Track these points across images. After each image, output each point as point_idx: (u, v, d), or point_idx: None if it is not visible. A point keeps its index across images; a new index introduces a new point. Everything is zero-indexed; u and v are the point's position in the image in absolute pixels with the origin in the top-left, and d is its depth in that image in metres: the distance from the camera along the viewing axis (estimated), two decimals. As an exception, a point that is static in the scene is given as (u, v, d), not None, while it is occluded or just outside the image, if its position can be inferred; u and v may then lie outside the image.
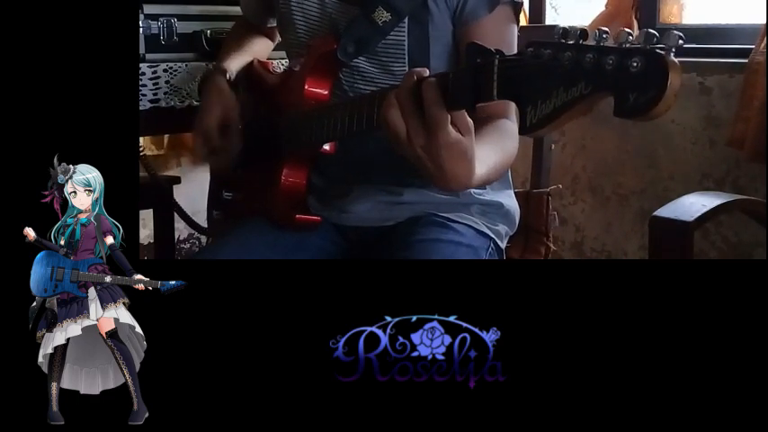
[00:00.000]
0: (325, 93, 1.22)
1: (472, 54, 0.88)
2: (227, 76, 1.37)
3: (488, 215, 1.30)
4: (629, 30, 0.72)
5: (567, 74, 0.74)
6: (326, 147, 1.21)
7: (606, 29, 0.74)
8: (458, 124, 0.90)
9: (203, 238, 2.45)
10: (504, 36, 1.21)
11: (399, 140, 0.92)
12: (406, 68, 1.20)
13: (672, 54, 0.68)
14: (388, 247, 1.23)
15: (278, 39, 1.49)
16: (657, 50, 0.69)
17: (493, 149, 1.07)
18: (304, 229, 1.25)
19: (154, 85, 1.52)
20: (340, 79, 1.24)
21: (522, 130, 0.80)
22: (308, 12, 1.27)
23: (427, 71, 0.92)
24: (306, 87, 1.22)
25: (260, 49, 1.48)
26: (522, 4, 1.23)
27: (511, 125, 1.17)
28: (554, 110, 0.76)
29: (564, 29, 0.76)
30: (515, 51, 1.21)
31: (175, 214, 2.05)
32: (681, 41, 0.69)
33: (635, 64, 0.69)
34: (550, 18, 2.48)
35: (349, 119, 1.09)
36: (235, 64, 1.40)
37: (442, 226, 1.24)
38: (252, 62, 1.43)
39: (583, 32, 0.75)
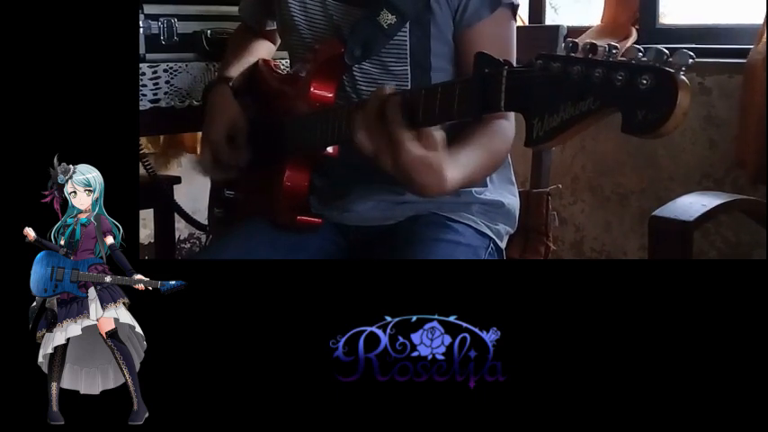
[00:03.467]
0: (330, 95, 1.23)
1: (480, 64, 0.88)
2: (231, 84, 1.36)
3: (489, 214, 1.30)
4: (638, 46, 0.72)
5: (575, 88, 0.74)
6: (329, 149, 1.21)
7: (616, 44, 0.74)
8: (425, 139, 0.96)
9: (203, 239, 2.45)
10: (504, 36, 1.22)
11: (370, 158, 0.99)
12: (408, 69, 1.21)
13: (682, 73, 0.68)
14: (388, 246, 1.23)
15: (279, 41, 1.49)
16: (668, 69, 0.68)
17: (475, 152, 1.10)
18: (305, 231, 1.25)
19: (154, 85, 1.52)
20: (342, 80, 1.24)
21: (529, 143, 0.80)
22: (310, 14, 1.27)
23: (391, 89, 0.98)
24: (311, 90, 1.22)
25: (262, 51, 1.48)
26: (518, 5, 1.23)
27: (506, 125, 1.19)
28: (561, 123, 0.76)
29: (573, 42, 0.76)
30: (515, 52, 1.22)
31: (175, 213, 2.05)
32: (691, 61, 0.69)
33: (645, 81, 0.69)
34: (550, 18, 2.48)
35: (341, 125, 1.11)
36: (237, 70, 1.40)
37: (441, 225, 1.24)
38: (257, 62, 1.43)
39: (592, 47, 0.75)
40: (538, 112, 0.78)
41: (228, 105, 1.32)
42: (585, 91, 0.73)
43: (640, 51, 0.71)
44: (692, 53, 0.69)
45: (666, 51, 0.70)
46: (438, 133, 0.96)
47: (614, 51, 0.73)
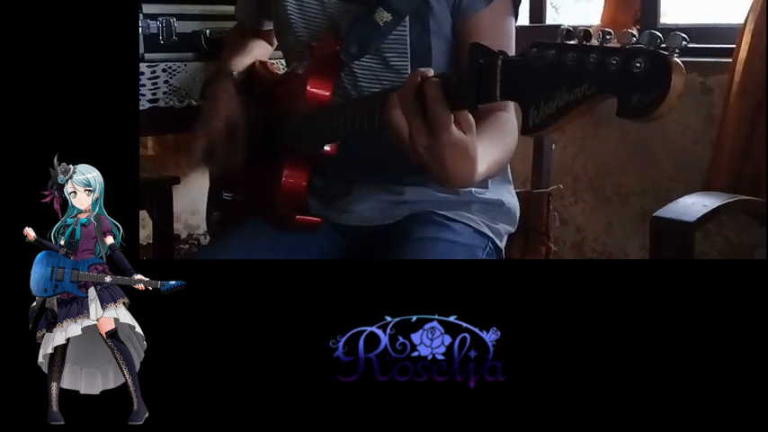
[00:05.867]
0: (327, 94, 1.22)
1: (475, 54, 0.88)
2: (234, 75, 1.36)
3: (489, 213, 1.30)
4: (632, 31, 0.72)
5: (570, 74, 0.74)
6: (327, 147, 1.21)
7: (609, 30, 0.74)
8: (460, 122, 0.91)
9: (202, 239, 2.45)
10: (503, 29, 1.22)
11: (402, 140, 0.93)
12: (408, 64, 1.21)
13: (675, 55, 0.68)
14: (386, 245, 1.23)
15: (275, 42, 1.48)
16: (661, 51, 0.69)
17: (492, 145, 1.08)
18: (304, 231, 1.25)
19: (153, 84, 1.52)
20: (341, 77, 1.24)
21: (525, 131, 0.80)
22: (306, 12, 1.27)
23: (431, 71, 0.93)
24: (308, 89, 1.22)
25: (260, 51, 1.48)
26: None
27: (509, 117, 1.18)
28: (557, 110, 0.76)
29: (568, 29, 0.76)
30: (513, 45, 1.22)
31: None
32: (684, 43, 0.69)
33: (638, 65, 0.69)
34: (551, 17, 2.48)
35: (351, 120, 1.09)
36: (238, 65, 1.40)
37: (439, 224, 1.24)
38: (254, 63, 1.43)
39: (586, 33, 0.75)
40: (534, 99, 0.78)
41: (229, 100, 1.32)
42: (580, 77, 0.73)
43: (634, 36, 0.71)
44: (684, 35, 0.69)
45: (659, 35, 0.70)
46: (471, 118, 0.93)
47: (608, 37, 0.73)
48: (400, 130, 0.92)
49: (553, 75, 0.76)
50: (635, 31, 0.72)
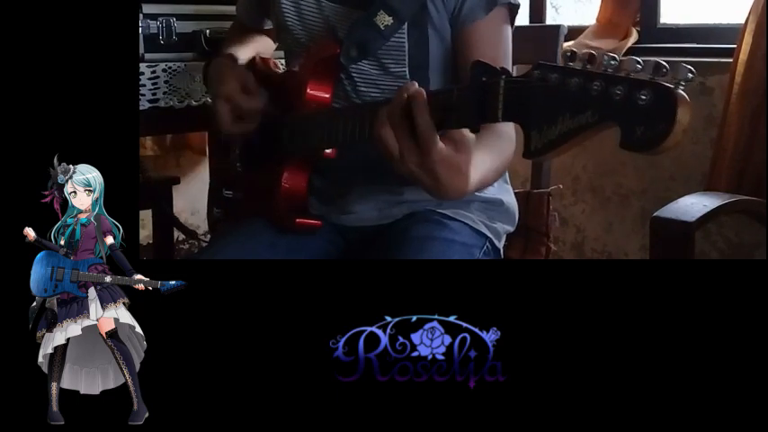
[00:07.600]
0: (327, 96, 1.22)
1: (477, 72, 0.87)
2: (233, 56, 1.36)
3: (488, 212, 1.30)
4: (636, 58, 0.71)
5: (574, 100, 0.73)
6: (328, 150, 1.21)
7: (615, 55, 0.73)
8: (455, 140, 0.92)
9: (202, 239, 2.45)
10: (500, 38, 1.21)
11: (392, 157, 0.94)
12: (407, 70, 1.21)
13: (681, 88, 0.68)
14: (383, 244, 1.23)
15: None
16: (666, 84, 0.68)
17: (488, 154, 1.07)
18: (304, 232, 1.25)
19: (153, 84, 1.52)
20: (341, 80, 1.24)
21: (527, 154, 0.79)
22: (304, 15, 1.27)
23: (416, 85, 0.93)
24: (307, 91, 1.22)
25: (261, 46, 1.48)
26: (518, 4, 1.23)
27: (506, 127, 1.17)
28: (559, 136, 0.75)
29: (572, 51, 0.75)
30: (510, 55, 1.22)
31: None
32: (690, 75, 0.68)
33: (643, 97, 0.68)
34: (551, 17, 2.48)
35: (343, 128, 1.10)
36: (239, 53, 1.39)
37: (437, 223, 1.24)
38: (254, 58, 1.43)
39: (590, 57, 0.74)
40: (536, 123, 0.77)
41: (234, 65, 1.32)
42: (584, 104, 0.72)
43: (639, 64, 0.70)
44: (691, 67, 0.68)
45: (665, 64, 0.69)
46: (469, 135, 0.93)
47: (613, 63, 0.72)
48: (390, 148, 0.93)
49: (556, 99, 0.75)
50: (639, 59, 0.71)
